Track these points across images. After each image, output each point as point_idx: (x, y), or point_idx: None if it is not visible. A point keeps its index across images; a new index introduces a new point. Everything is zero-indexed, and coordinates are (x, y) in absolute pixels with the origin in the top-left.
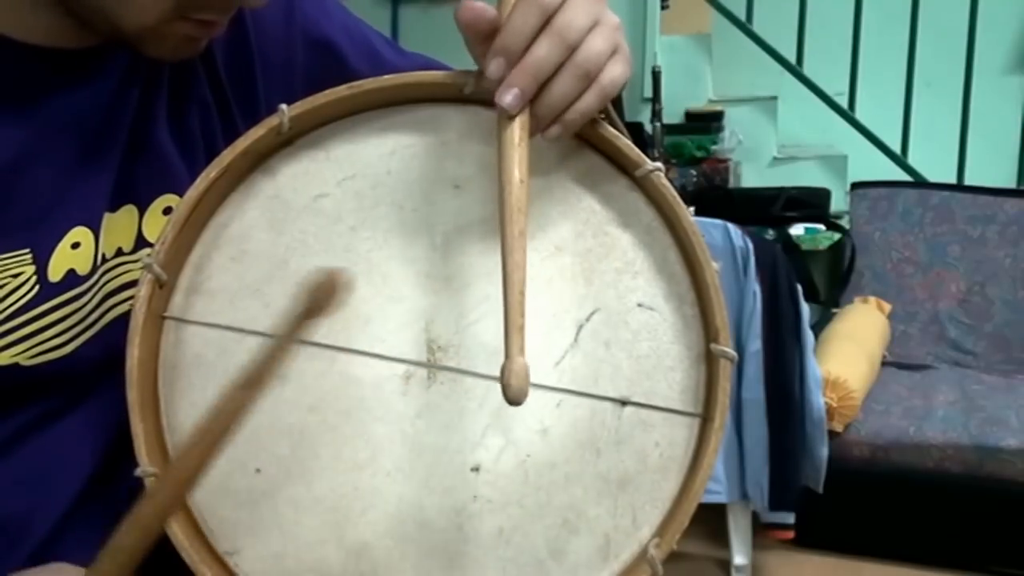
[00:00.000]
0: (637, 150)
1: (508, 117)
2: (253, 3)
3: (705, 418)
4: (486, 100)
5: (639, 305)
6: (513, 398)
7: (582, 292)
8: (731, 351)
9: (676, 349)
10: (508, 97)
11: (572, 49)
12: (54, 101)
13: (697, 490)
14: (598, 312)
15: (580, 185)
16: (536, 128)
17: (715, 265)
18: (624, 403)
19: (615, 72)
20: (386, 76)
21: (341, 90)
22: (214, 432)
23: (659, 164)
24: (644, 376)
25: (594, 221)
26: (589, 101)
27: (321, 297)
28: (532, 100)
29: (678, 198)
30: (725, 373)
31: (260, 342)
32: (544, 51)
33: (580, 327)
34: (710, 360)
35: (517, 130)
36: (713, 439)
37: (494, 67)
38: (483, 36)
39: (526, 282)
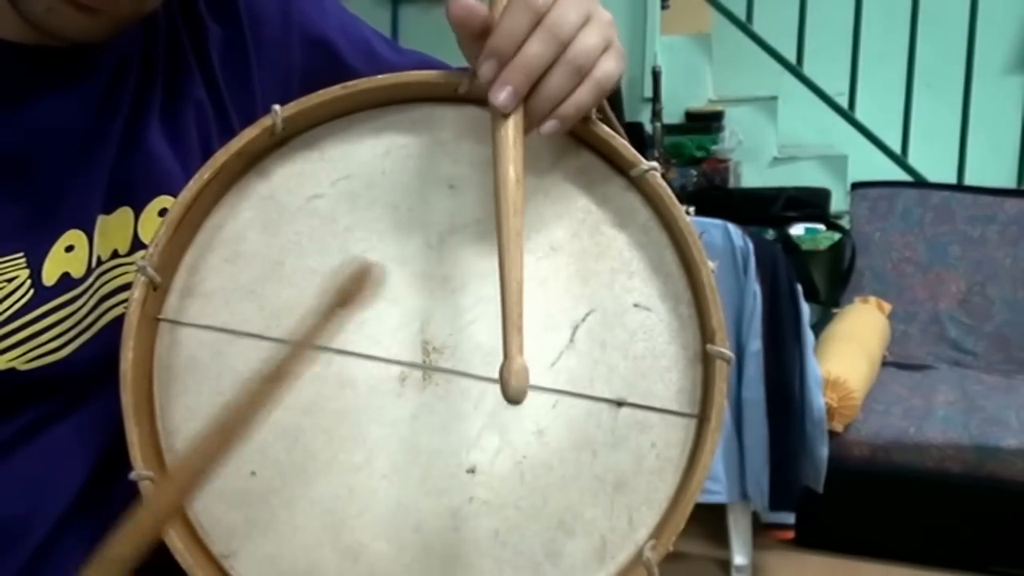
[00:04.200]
0: (632, 149)
1: (502, 116)
2: None
3: (701, 419)
4: (480, 99)
5: (635, 305)
6: (513, 397)
7: (577, 293)
8: (727, 351)
9: (672, 349)
10: (501, 95)
11: (564, 45)
12: (42, 101)
13: (693, 491)
14: (594, 313)
15: (575, 185)
16: (531, 124)
17: (711, 264)
18: (620, 404)
19: (609, 66)
20: (380, 76)
21: (335, 90)
22: (219, 436)
23: (655, 164)
24: (640, 377)
25: (589, 221)
26: (583, 95)
27: (351, 288)
28: (526, 97)
29: (674, 197)
30: (721, 373)
31: (257, 344)
32: (536, 48)
33: (575, 328)
34: (706, 360)
35: (512, 129)
36: (709, 440)
37: (486, 69)
38: (475, 34)
39: (523, 282)
